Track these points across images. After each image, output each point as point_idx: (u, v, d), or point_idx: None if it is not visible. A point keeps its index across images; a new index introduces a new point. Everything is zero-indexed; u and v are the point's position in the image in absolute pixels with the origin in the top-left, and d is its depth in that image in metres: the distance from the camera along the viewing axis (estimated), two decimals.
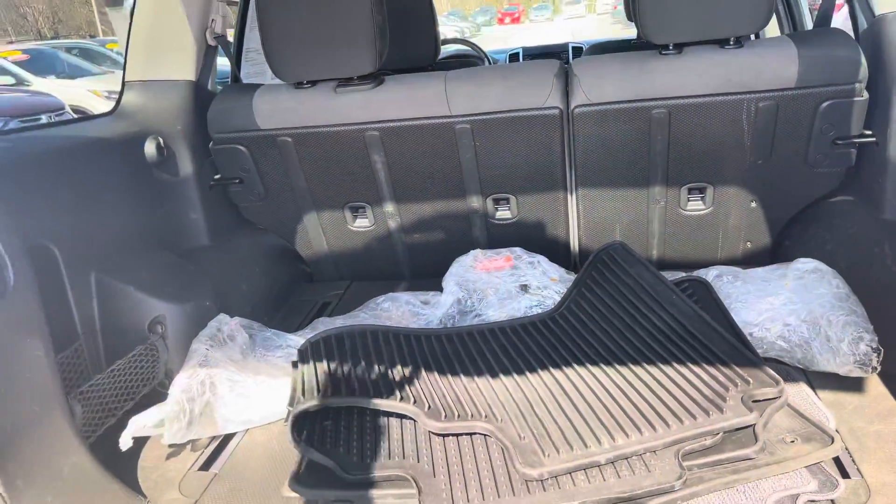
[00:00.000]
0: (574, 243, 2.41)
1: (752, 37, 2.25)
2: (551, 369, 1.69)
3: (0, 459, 1.32)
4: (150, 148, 2.18)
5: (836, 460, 1.44)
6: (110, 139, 2.11)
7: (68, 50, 14.89)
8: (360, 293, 2.51)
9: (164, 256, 2.16)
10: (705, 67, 2.02)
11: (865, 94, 1.96)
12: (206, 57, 2.39)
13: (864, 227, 2.04)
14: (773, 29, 3.14)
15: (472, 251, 2.26)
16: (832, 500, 1.34)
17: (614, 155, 2.19)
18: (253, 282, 2.45)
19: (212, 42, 2.36)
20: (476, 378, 1.68)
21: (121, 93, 2.29)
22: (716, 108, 2.06)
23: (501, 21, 51.43)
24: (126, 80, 2.29)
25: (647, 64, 2.06)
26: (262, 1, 2.14)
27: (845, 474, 1.41)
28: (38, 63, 13.17)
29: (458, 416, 1.51)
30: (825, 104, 1.99)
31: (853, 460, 1.45)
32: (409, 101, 2.19)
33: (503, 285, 2.12)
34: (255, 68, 3.20)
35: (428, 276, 2.48)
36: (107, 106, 11.77)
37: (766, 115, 2.04)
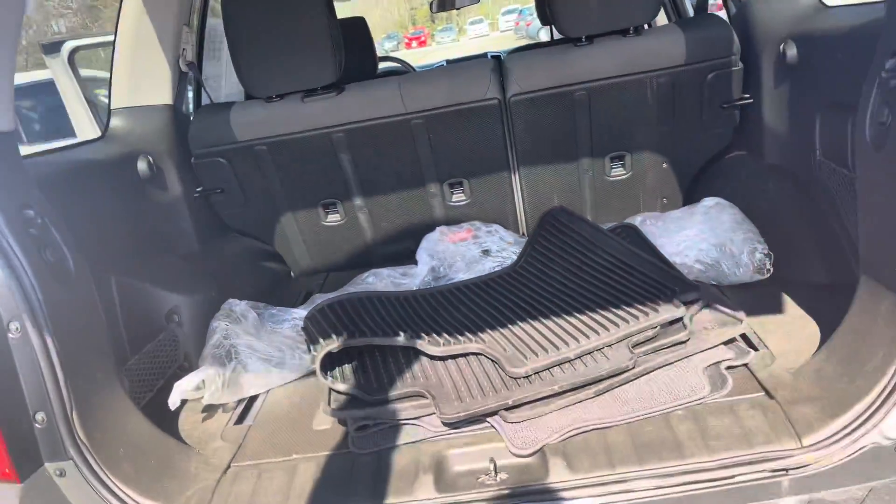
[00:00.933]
0: (521, 215, 2.80)
1: (647, 26, 2.71)
2: (520, 303, 2.06)
3: (81, 416, 1.57)
4: (142, 166, 2.44)
5: (746, 339, 1.86)
6: (105, 160, 2.37)
7: None
8: (337, 282, 2.82)
9: (168, 259, 2.42)
10: (613, 53, 2.46)
11: (740, 65, 2.44)
12: (180, 83, 2.68)
13: (752, 173, 2.51)
14: (661, 19, 3.66)
15: (438, 227, 2.62)
16: (746, 364, 1.76)
17: (547, 135, 2.60)
18: (241, 280, 2.73)
19: (184, 69, 2.65)
20: (460, 317, 2.03)
21: (108, 119, 2.54)
22: (625, 87, 2.50)
23: (409, 45, 52.29)
24: (112, 107, 2.54)
25: (566, 55, 2.48)
26: (230, 26, 2.45)
27: (754, 348, 1.83)
28: None
29: (453, 342, 1.85)
30: (710, 75, 2.45)
31: (760, 339, 1.87)
32: (369, 103, 2.54)
33: (468, 252, 2.48)
34: (213, 94, 3.48)
35: (396, 261, 2.82)
36: None
37: (665, 89, 2.49)
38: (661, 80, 2.47)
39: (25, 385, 1.51)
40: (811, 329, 1.87)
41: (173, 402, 1.87)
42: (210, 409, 2.02)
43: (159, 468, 1.72)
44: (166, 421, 1.89)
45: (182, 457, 1.77)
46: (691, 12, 3.50)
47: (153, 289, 2.22)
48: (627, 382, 1.71)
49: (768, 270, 2.07)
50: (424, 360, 1.86)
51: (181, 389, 1.89)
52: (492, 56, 5.51)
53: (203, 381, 1.93)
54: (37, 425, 1.54)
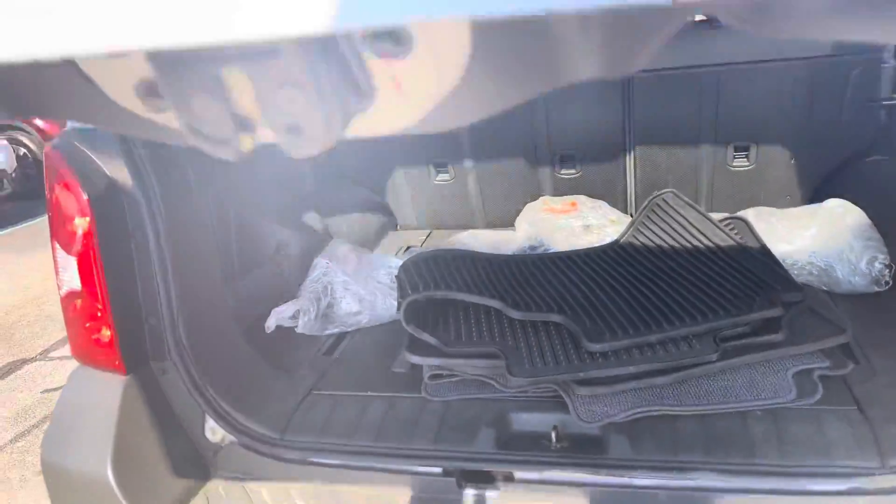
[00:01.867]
0: (630, 194, 2.74)
1: None
2: (611, 280, 2.03)
3: (185, 324, 1.72)
4: None
5: (848, 349, 1.74)
6: None
7: None
8: (438, 239, 2.89)
9: (285, 196, 2.57)
10: (749, 37, 2.32)
11: (892, 62, 2.24)
12: None
13: (890, 178, 2.32)
14: None
15: (541, 197, 2.61)
16: (843, 376, 1.65)
17: (668, 116, 2.51)
18: (349, 225, 2.85)
19: None
20: (547, 286, 2.03)
21: None
22: (759, 75, 2.36)
23: None
24: None
25: (698, 35, 2.38)
26: None
27: (855, 360, 1.72)
28: None
29: (535, 308, 1.86)
30: (857, 70, 2.27)
31: (863, 352, 1.75)
32: None
33: (568, 225, 2.46)
34: None
35: (497, 226, 2.84)
36: None
37: (803, 80, 2.33)
38: (800, 70, 2.32)
39: (141, 290, 1.67)
40: None
41: (269, 325, 2.01)
42: (301, 339, 2.15)
43: (248, 383, 1.86)
44: (261, 343, 2.03)
45: (269, 377, 1.91)
46: None
47: (267, 221, 2.37)
48: (708, 375, 1.66)
49: (887, 283, 1.91)
50: (504, 321, 1.88)
51: (278, 315, 2.03)
52: None
53: (298, 310, 2.06)
54: (147, 327, 1.70)
